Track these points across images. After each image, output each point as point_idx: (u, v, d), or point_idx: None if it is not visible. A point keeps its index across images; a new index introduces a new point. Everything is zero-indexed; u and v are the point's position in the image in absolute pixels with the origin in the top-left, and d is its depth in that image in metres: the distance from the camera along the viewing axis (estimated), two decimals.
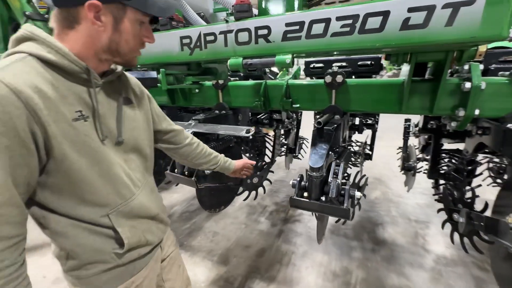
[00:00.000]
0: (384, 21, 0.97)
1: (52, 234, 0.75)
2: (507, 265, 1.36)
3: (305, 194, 1.31)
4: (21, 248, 0.64)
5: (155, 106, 1.03)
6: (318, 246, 2.53)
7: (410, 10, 0.93)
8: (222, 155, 1.32)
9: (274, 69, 2.45)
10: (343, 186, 1.25)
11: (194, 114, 2.06)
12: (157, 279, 1.03)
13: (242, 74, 2.31)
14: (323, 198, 1.28)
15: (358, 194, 1.24)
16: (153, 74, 1.49)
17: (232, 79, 2.15)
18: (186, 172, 1.66)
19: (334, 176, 1.26)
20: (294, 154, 3.31)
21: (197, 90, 2.01)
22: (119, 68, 0.86)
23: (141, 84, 0.98)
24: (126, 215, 0.81)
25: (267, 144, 3.04)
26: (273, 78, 2.41)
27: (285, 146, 3.24)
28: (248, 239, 2.66)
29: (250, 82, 1.91)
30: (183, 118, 2.58)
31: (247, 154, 2.71)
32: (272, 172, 2.42)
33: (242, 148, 2.53)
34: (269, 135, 3.09)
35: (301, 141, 3.50)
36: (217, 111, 1.99)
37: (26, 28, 0.66)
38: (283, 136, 3.24)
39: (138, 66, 1.79)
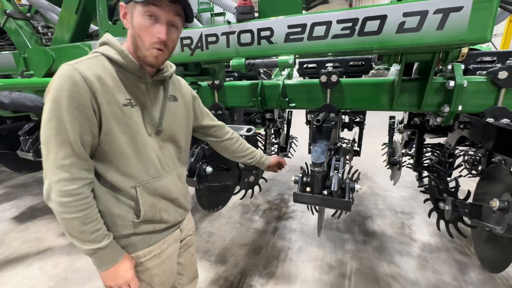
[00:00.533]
0: (382, 24, 1.05)
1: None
2: (489, 246, 1.50)
3: (308, 189, 1.37)
4: (91, 187, 0.85)
5: (200, 104, 1.21)
6: (313, 240, 2.61)
7: (405, 14, 1.01)
8: (259, 150, 1.46)
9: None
10: (343, 180, 1.32)
11: None
12: None
13: (236, 75, 2.33)
14: (325, 192, 1.34)
15: (357, 186, 1.32)
16: None
17: (226, 79, 2.17)
18: (187, 173, 1.67)
19: (336, 170, 1.32)
20: (284, 153, 3.38)
21: (196, 91, 2.01)
22: (170, 70, 0.99)
23: (189, 86, 1.15)
24: (150, 191, 0.93)
25: (259, 144, 3.09)
26: (266, 78, 2.46)
27: (275, 145, 3.30)
28: (244, 237, 2.68)
29: (246, 82, 1.94)
30: None
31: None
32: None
33: None
34: (260, 134, 3.14)
35: (291, 140, 3.58)
36: (213, 111, 2.01)
37: (105, 36, 0.88)
38: (273, 135, 3.30)
39: None
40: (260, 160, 1.46)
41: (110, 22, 1.66)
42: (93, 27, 2.16)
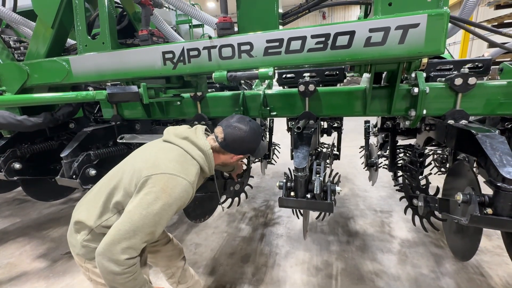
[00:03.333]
0: (351, 39, 1.16)
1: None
2: (458, 237, 1.64)
3: (292, 193, 1.43)
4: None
5: None
6: (299, 244, 2.67)
7: (371, 30, 1.13)
8: None
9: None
10: (325, 183, 1.40)
11: (167, 127, 2.07)
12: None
13: (218, 86, 2.38)
14: (308, 196, 1.41)
15: (338, 188, 1.40)
16: (134, 88, 1.50)
17: (208, 90, 2.21)
18: None
19: (317, 174, 1.40)
20: (268, 160, 3.44)
21: (178, 103, 2.03)
22: None
23: None
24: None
25: None
26: (247, 88, 2.53)
27: None
28: (232, 246, 2.68)
29: (228, 93, 2.00)
30: (157, 131, 2.55)
31: None
32: (252, 176, 2.51)
33: None
34: None
35: (273, 147, 3.66)
36: (196, 122, 2.03)
37: (207, 144, 1.19)
38: None
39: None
40: None
41: (89, 37, 1.65)
42: (70, 41, 2.12)
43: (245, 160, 1.61)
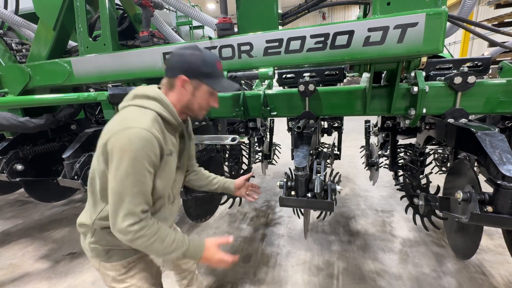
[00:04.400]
0: (350, 39, 1.17)
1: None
2: (458, 235, 1.64)
3: (293, 192, 1.44)
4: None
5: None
6: (301, 244, 2.67)
7: (370, 30, 1.14)
8: (222, 177, 1.50)
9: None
10: (325, 182, 1.40)
11: None
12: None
13: None
14: (308, 195, 1.41)
15: (338, 187, 1.40)
16: None
17: None
18: None
19: (318, 173, 1.40)
20: (268, 160, 3.45)
21: None
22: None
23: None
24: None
25: (243, 152, 3.14)
26: (247, 88, 2.54)
27: (259, 153, 3.36)
28: (233, 246, 2.69)
29: (228, 93, 2.01)
30: None
31: (226, 163, 2.77)
32: (253, 176, 2.52)
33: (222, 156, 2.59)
34: (244, 143, 3.20)
35: (274, 147, 3.67)
36: (197, 123, 2.05)
37: (157, 93, 1.04)
38: (257, 144, 3.37)
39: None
40: (224, 185, 1.48)
41: (90, 39, 1.67)
42: (71, 43, 2.14)
43: (215, 98, 1.19)
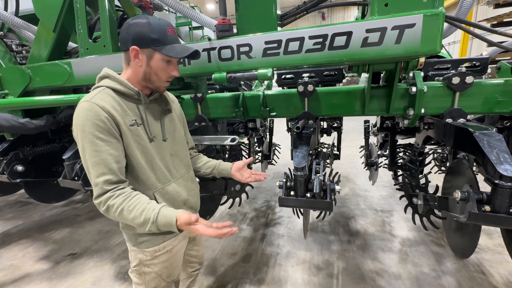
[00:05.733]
0: (348, 40, 1.17)
1: None
2: (457, 235, 1.65)
3: (292, 192, 1.44)
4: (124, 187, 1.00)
5: (184, 118, 1.37)
6: (300, 244, 2.68)
7: (368, 31, 1.14)
8: (219, 161, 1.42)
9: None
10: (324, 182, 1.41)
11: None
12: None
13: (218, 87, 2.40)
14: (308, 195, 1.42)
15: (337, 187, 1.41)
16: None
17: (208, 91, 2.23)
18: None
19: (317, 173, 1.41)
20: (268, 160, 3.46)
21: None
22: None
23: (176, 99, 1.33)
24: (164, 195, 1.12)
25: (243, 152, 3.15)
26: (246, 89, 2.55)
27: (259, 153, 3.37)
28: (233, 247, 2.70)
29: (228, 94, 2.02)
30: None
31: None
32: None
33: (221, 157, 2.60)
34: (244, 143, 3.21)
35: (274, 148, 3.68)
36: (196, 123, 2.05)
37: (104, 70, 1.05)
38: (256, 144, 3.38)
39: None
40: (219, 167, 1.39)
41: (90, 40, 1.68)
42: (71, 44, 2.15)
43: (174, 65, 1.12)
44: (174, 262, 1.25)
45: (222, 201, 2.39)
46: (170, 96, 1.29)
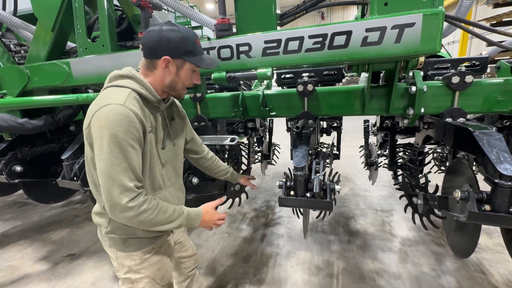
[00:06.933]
0: (348, 39, 1.17)
1: None
2: (457, 234, 1.64)
3: (292, 192, 1.44)
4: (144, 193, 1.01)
5: (188, 122, 1.38)
6: (300, 244, 2.67)
7: (367, 30, 1.14)
8: (231, 168, 1.61)
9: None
10: (324, 182, 1.40)
11: None
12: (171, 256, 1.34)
13: (217, 87, 2.40)
14: (308, 195, 1.42)
15: (337, 187, 1.40)
16: None
17: (208, 91, 2.22)
18: None
19: (317, 173, 1.41)
20: (268, 160, 3.45)
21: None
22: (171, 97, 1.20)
23: (180, 104, 1.34)
24: None
25: (242, 152, 3.14)
26: (246, 89, 2.54)
27: (259, 153, 3.37)
28: (233, 247, 2.69)
29: (227, 94, 2.01)
30: None
31: (225, 163, 2.77)
32: (254, 178, 2.52)
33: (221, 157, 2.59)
34: (243, 143, 3.20)
35: (273, 147, 3.67)
36: (196, 123, 2.05)
37: (129, 70, 1.03)
38: (256, 144, 3.37)
39: None
40: (233, 175, 1.63)
41: (89, 40, 1.67)
42: (70, 44, 2.14)
43: (196, 74, 1.17)
44: (165, 263, 1.24)
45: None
46: (176, 102, 1.30)
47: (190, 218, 1.10)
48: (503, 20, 4.05)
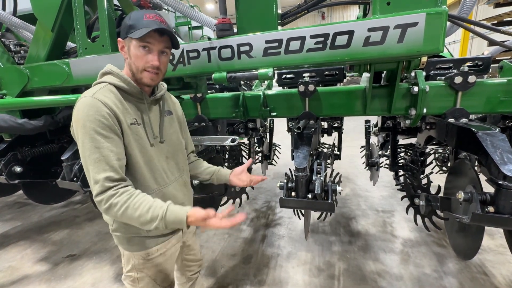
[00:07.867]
0: (350, 39, 1.16)
1: None
2: (460, 236, 1.63)
3: (293, 193, 1.43)
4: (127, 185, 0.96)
5: (185, 122, 1.34)
6: (301, 245, 2.66)
7: (370, 30, 1.13)
8: (219, 167, 1.37)
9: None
10: (326, 183, 1.39)
11: None
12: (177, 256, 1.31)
13: (218, 87, 2.39)
14: (309, 196, 1.40)
15: (339, 188, 1.39)
16: None
17: (208, 92, 2.21)
18: None
19: (318, 174, 1.39)
20: (269, 161, 3.44)
21: None
22: (163, 89, 1.15)
23: (178, 101, 1.30)
24: (161, 198, 1.04)
25: (243, 153, 3.14)
26: (247, 89, 2.53)
27: (259, 154, 3.36)
28: (233, 248, 2.68)
29: (228, 94, 2.00)
30: None
31: (226, 164, 2.76)
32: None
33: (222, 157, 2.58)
34: (244, 144, 3.19)
35: (274, 148, 3.66)
36: (196, 124, 2.04)
37: (108, 66, 1.04)
38: (256, 144, 3.36)
39: None
40: (219, 172, 1.34)
41: (89, 40, 1.66)
42: (70, 44, 2.13)
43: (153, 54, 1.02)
44: (168, 266, 1.23)
45: (222, 202, 2.38)
46: (173, 98, 1.28)
47: (168, 220, 0.91)
48: (504, 20, 4.03)
